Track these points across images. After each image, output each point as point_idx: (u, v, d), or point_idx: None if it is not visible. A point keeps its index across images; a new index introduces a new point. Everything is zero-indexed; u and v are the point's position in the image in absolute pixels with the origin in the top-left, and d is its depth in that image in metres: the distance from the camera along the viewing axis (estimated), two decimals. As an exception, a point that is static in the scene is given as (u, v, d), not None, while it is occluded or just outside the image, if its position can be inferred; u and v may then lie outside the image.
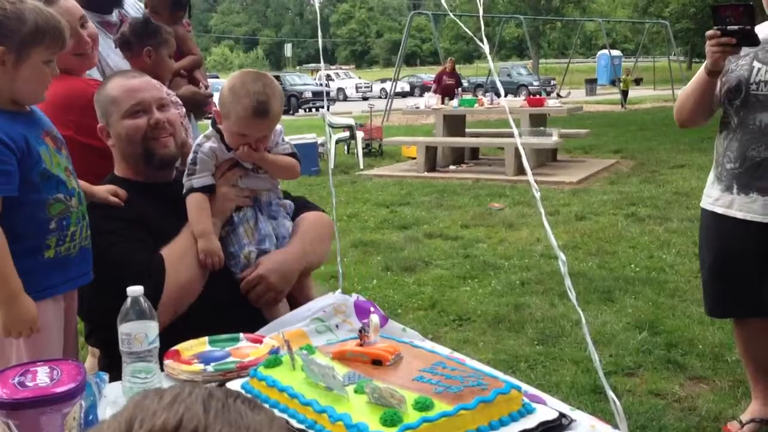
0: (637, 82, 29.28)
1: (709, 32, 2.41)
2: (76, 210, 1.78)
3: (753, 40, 2.38)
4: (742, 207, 2.57)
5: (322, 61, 2.43)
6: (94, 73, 2.66)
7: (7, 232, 1.63)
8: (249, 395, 0.72)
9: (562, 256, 1.46)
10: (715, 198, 2.67)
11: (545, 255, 5.63)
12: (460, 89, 15.73)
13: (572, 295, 1.41)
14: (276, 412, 1.31)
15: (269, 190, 2.08)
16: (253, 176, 2.05)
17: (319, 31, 2.21)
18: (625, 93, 23.95)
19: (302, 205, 2.22)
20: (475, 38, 1.58)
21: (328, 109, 10.04)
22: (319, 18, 2.22)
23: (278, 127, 2.05)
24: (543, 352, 3.79)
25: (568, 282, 1.53)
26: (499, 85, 1.64)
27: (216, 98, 3.46)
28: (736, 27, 2.35)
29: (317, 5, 2.39)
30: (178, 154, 2.07)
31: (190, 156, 2.00)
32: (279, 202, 2.11)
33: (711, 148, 2.77)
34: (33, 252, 1.70)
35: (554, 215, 7.17)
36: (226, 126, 1.96)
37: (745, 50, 2.51)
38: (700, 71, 2.55)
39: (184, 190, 1.98)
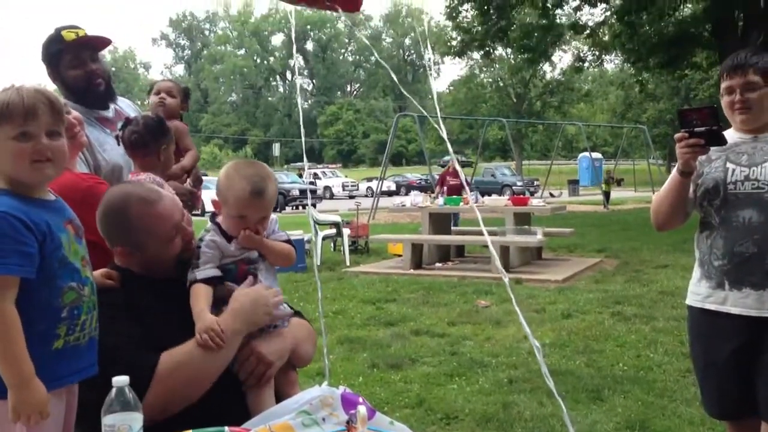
0: (619, 182, 30.00)
1: (678, 135, 2.51)
2: (88, 299, 1.77)
3: (720, 140, 2.48)
4: (737, 303, 2.57)
5: (305, 158, 2.51)
6: (83, 167, 2.69)
7: (20, 317, 1.61)
8: None
9: (536, 343, 1.46)
10: (704, 295, 2.67)
11: (532, 353, 5.57)
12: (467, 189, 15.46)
13: (550, 383, 1.41)
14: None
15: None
16: (262, 263, 2.09)
17: (302, 127, 2.30)
18: (607, 194, 24.56)
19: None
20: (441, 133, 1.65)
21: (314, 206, 10.15)
22: (301, 114, 2.32)
23: (273, 216, 2.11)
24: (532, 452, 3.70)
25: (544, 369, 1.53)
26: (455, 160, 1.70)
27: (205, 194, 3.53)
28: (703, 128, 2.46)
29: (300, 105, 2.49)
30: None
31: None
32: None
33: (693, 248, 2.82)
34: (43, 340, 1.68)
35: (540, 313, 7.16)
36: (224, 213, 2.02)
37: (715, 154, 2.62)
38: (673, 173, 2.65)
39: (188, 283, 1.99)
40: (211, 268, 2.00)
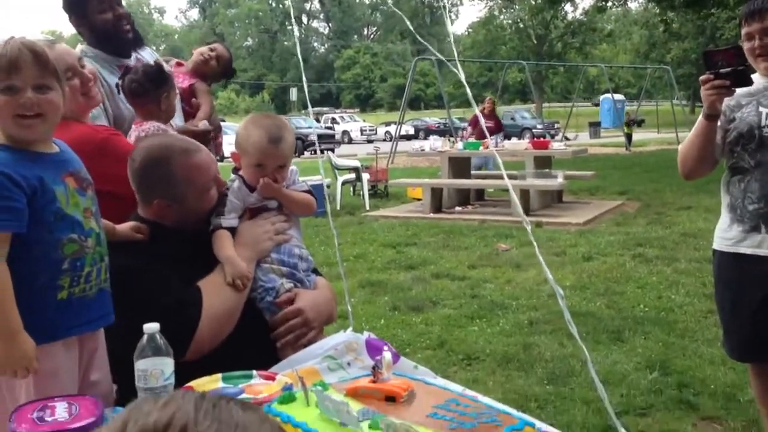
0: (639, 123, 29.43)
1: (703, 77, 2.48)
2: (92, 251, 1.77)
3: (746, 81, 2.45)
4: None
5: (309, 105, 2.50)
6: (102, 119, 2.69)
7: (19, 271, 1.64)
8: (244, 400, 0.73)
9: (559, 290, 1.47)
10: (736, 240, 2.65)
11: (553, 295, 5.57)
12: (501, 135, 14.00)
13: (573, 329, 1.42)
14: (291, 447, 1.31)
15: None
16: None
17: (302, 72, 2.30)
18: (629, 136, 24.13)
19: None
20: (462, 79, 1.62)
21: (333, 151, 10.13)
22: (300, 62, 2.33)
23: (293, 168, 2.16)
24: (553, 391, 3.76)
25: (567, 316, 1.54)
26: (482, 121, 1.68)
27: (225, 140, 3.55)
28: (728, 69, 2.43)
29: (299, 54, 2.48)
30: None
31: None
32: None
33: (717, 189, 2.79)
34: (44, 292, 1.70)
35: (561, 256, 7.17)
36: (244, 163, 2.08)
37: (745, 99, 2.59)
38: (699, 119, 2.62)
39: (211, 227, 2.06)
40: (234, 219, 2.08)
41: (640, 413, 3.48)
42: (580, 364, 4.09)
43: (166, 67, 3.07)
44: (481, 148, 10.98)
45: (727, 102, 2.59)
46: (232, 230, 2.08)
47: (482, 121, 2.28)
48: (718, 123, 2.61)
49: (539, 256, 1.39)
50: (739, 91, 2.52)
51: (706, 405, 3.51)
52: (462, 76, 2.12)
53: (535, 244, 1.80)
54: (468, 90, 1.80)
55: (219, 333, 1.92)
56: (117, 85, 2.74)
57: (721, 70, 2.43)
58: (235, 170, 2.14)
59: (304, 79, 2.94)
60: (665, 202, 10.75)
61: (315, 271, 2.28)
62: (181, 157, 2.03)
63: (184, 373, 1.64)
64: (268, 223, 2.11)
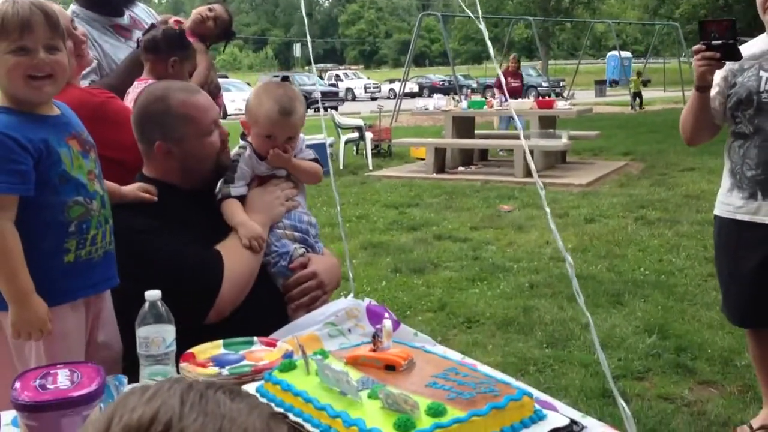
0: (645, 83, 29.03)
1: (695, 47, 2.48)
2: (98, 213, 1.78)
3: (735, 55, 2.44)
4: None
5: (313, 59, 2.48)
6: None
7: (26, 234, 1.64)
8: (234, 386, 0.72)
9: (569, 259, 1.47)
10: (736, 206, 2.66)
11: (554, 258, 5.63)
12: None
13: (580, 299, 1.43)
14: (291, 416, 1.33)
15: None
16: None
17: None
18: (636, 95, 23.76)
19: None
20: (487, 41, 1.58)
21: (336, 109, 10.06)
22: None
23: (300, 136, 2.16)
24: (552, 355, 3.80)
25: (575, 285, 1.54)
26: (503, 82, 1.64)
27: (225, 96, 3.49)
28: (719, 42, 2.42)
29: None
30: None
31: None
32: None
33: (721, 151, 2.78)
34: (52, 255, 1.70)
35: (563, 218, 7.17)
36: (254, 132, 2.09)
37: (748, 63, 2.56)
38: (692, 91, 2.62)
39: (220, 195, 2.07)
40: (243, 186, 2.10)
41: (638, 377, 3.52)
42: (580, 328, 4.13)
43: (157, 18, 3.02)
44: (485, 106, 10.90)
45: (731, 66, 2.57)
46: (242, 198, 2.09)
47: (503, 81, 2.20)
48: (715, 90, 2.60)
49: (551, 225, 1.38)
50: (744, 53, 2.49)
51: (703, 369, 3.54)
52: (486, 34, 1.93)
53: (547, 210, 1.77)
54: (492, 52, 1.72)
55: (239, 295, 1.95)
56: (137, 40, 2.70)
57: (713, 42, 2.43)
58: (243, 136, 2.15)
59: (308, 34, 2.90)
60: (669, 163, 10.71)
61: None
62: (179, 94, 2.03)
63: (184, 339, 1.66)
64: (278, 189, 2.13)
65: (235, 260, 1.96)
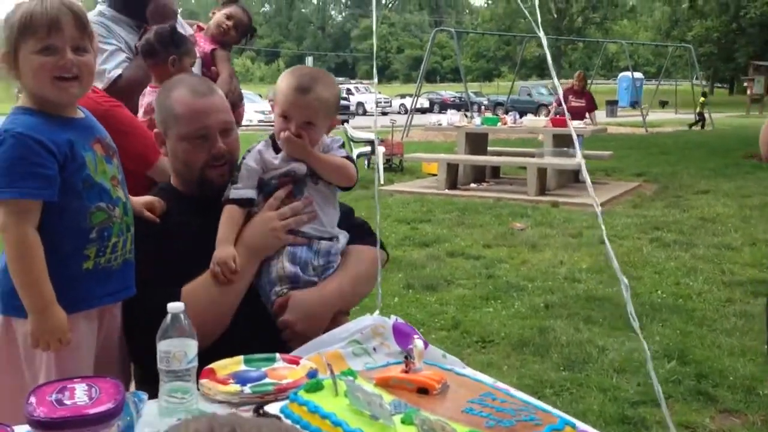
0: (663, 104, 28.93)
1: None
2: (120, 221, 1.72)
3: None
4: None
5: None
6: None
7: (46, 240, 1.59)
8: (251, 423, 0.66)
9: (624, 280, 1.38)
10: None
11: (569, 278, 5.55)
12: (594, 113, 12.10)
13: (635, 324, 1.35)
14: (318, 440, 1.26)
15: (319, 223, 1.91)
16: (312, 188, 1.90)
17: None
18: (700, 115, 23.23)
19: (358, 236, 2.05)
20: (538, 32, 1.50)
21: (347, 122, 10.02)
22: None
23: (337, 137, 1.99)
24: (569, 378, 3.72)
25: (630, 309, 1.44)
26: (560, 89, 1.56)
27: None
28: None
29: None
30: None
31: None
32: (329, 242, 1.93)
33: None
34: (71, 262, 1.65)
35: (577, 237, 7.09)
36: (275, 114, 1.89)
37: None
38: None
39: (223, 198, 1.88)
40: (247, 189, 1.87)
41: (657, 404, 3.41)
42: (597, 351, 4.05)
43: (188, 30, 3.00)
44: (499, 123, 10.85)
45: None
46: (244, 202, 1.87)
47: (561, 97, 1.78)
48: None
49: (607, 244, 1.30)
50: None
51: (725, 397, 3.45)
52: (545, 44, 1.68)
53: (603, 226, 1.65)
54: (552, 69, 1.56)
55: (208, 333, 1.70)
56: (135, 47, 2.71)
57: None
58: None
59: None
60: (683, 185, 10.62)
61: (365, 238, 2.06)
62: (183, 89, 1.91)
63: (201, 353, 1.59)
64: (277, 218, 1.86)
65: (200, 300, 1.73)
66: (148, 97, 2.65)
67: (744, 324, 4.45)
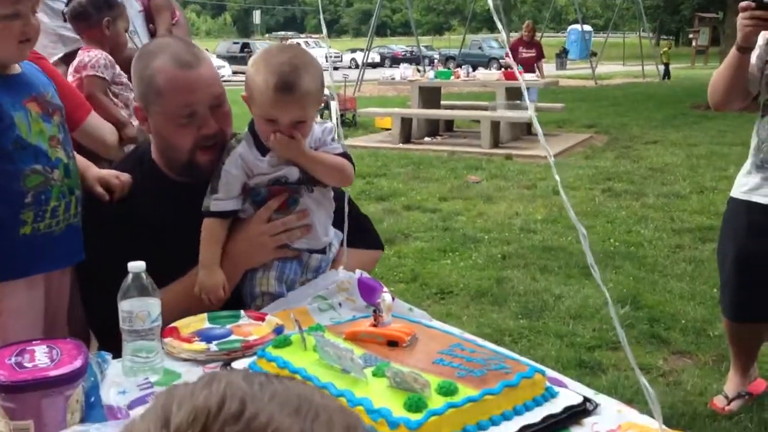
0: (593, 54, 29.18)
1: (743, 3, 2.23)
2: (60, 183, 1.64)
3: None
4: None
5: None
6: None
7: None
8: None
9: (582, 229, 1.39)
10: (751, 187, 2.49)
11: (524, 229, 5.62)
12: (541, 62, 11.94)
13: (596, 274, 1.36)
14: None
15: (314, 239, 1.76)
16: (307, 196, 1.72)
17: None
18: (667, 66, 23.81)
19: (359, 239, 1.91)
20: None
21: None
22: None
23: (328, 124, 1.76)
24: (527, 325, 3.79)
25: (590, 259, 1.46)
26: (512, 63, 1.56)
27: None
28: None
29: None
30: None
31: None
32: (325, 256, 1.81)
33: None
34: (6, 228, 1.58)
35: (531, 189, 7.17)
36: (254, 113, 1.64)
37: None
38: (732, 50, 2.40)
39: (203, 208, 1.67)
40: (228, 200, 1.67)
41: (612, 347, 3.52)
42: (553, 299, 4.13)
43: None
44: (452, 77, 10.81)
45: None
46: (226, 215, 1.67)
47: (512, 57, 1.69)
48: (756, 53, 2.41)
49: (563, 195, 1.30)
50: None
51: (677, 339, 3.57)
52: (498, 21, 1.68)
53: (557, 178, 1.68)
54: (502, 24, 1.54)
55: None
56: (63, 13, 2.60)
57: (765, 0, 2.20)
58: (252, 125, 1.70)
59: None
60: (632, 135, 10.80)
61: (369, 234, 1.99)
62: (166, 59, 1.65)
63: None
64: (268, 234, 1.69)
65: (172, 311, 1.55)
66: (78, 57, 2.57)
67: (694, 269, 4.58)
